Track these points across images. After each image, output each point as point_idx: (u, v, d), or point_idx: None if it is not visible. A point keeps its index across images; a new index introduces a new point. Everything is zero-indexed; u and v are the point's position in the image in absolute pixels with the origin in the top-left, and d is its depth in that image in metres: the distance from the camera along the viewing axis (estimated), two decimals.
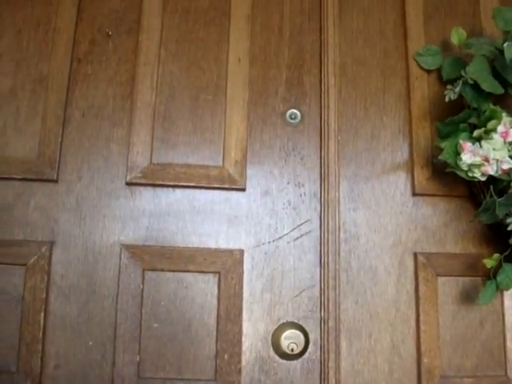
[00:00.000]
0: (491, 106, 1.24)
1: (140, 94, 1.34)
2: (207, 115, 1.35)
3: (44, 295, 1.23)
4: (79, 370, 1.22)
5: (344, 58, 1.40)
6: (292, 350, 1.24)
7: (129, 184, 1.30)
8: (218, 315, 1.25)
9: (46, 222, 1.27)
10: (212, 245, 1.29)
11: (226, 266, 1.27)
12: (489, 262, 1.24)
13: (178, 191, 1.31)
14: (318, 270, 1.29)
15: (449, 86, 1.29)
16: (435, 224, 1.34)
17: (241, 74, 1.37)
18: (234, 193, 1.32)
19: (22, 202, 1.27)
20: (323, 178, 1.33)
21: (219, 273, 1.27)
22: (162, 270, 1.26)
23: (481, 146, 1.21)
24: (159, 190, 1.30)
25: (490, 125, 1.22)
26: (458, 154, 1.24)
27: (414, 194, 1.35)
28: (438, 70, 1.39)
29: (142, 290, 1.25)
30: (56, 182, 1.28)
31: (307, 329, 1.26)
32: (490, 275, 1.25)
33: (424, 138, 1.37)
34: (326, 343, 1.25)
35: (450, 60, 1.37)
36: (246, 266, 1.28)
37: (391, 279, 1.31)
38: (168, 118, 1.34)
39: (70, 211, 1.28)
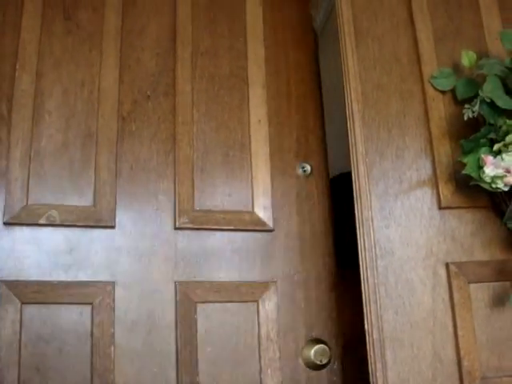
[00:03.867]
0: (508, 122, 1.32)
1: (181, 150, 1.51)
2: (237, 168, 1.54)
3: (112, 330, 1.36)
4: None
5: (364, 84, 1.48)
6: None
7: (177, 229, 1.46)
8: (259, 336, 1.45)
9: (107, 263, 1.41)
10: (250, 278, 1.47)
11: (262, 296, 1.46)
12: None
13: (219, 234, 1.49)
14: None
15: (466, 105, 1.36)
16: (462, 234, 1.41)
17: (261, 133, 1.58)
18: (264, 233, 1.52)
19: (85, 246, 1.41)
20: (356, 199, 1.41)
21: (257, 301, 1.46)
22: (212, 302, 1.43)
23: (502, 159, 1.29)
24: (203, 233, 1.48)
25: (508, 138, 1.30)
26: (480, 167, 1.31)
27: (441, 208, 1.42)
28: (452, 91, 1.48)
29: (196, 320, 1.42)
30: (113, 227, 1.43)
31: None
32: None
33: (445, 155, 1.45)
34: (372, 354, 1.33)
35: (463, 81, 1.46)
36: (279, 294, 1.48)
37: (427, 289, 1.37)
38: (205, 171, 1.52)
39: (128, 254, 1.42)
